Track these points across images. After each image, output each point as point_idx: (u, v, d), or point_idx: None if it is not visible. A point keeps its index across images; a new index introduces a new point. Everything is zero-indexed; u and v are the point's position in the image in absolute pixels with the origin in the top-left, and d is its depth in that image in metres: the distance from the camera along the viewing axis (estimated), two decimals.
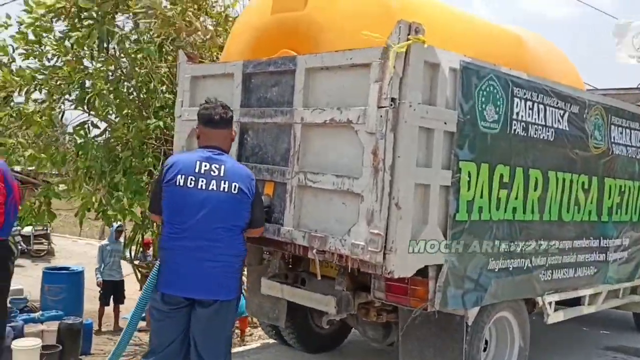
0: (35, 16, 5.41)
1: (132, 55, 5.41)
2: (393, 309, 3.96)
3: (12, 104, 5.65)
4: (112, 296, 8.60)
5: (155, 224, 6.02)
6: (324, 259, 3.46)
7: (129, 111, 5.58)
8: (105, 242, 9.22)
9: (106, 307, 8.62)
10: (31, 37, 5.59)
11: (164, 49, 5.38)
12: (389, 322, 4.17)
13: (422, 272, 3.34)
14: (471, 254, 3.51)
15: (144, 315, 4.28)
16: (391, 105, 3.09)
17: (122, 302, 8.73)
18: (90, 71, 5.57)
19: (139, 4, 5.11)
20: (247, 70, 3.89)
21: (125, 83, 5.58)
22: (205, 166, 3.15)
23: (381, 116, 3.11)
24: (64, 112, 5.59)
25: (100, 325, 8.30)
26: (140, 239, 7.39)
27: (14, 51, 5.74)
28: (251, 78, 3.90)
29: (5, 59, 5.74)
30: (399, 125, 3.10)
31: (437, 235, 3.32)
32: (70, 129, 5.79)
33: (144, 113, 5.65)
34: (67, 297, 7.89)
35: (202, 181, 3.12)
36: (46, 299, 7.88)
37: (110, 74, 5.57)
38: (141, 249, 8.32)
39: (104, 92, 5.44)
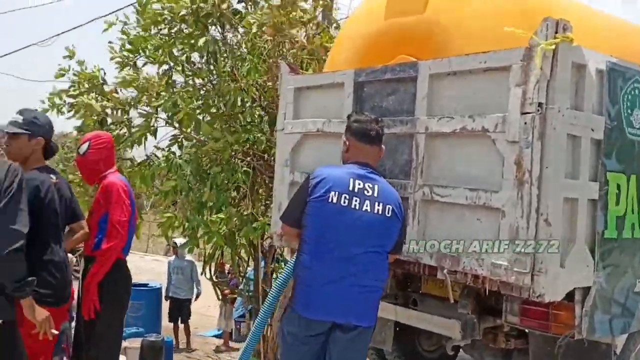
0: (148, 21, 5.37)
1: (226, 69, 5.30)
2: (520, 334, 3.63)
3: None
4: (177, 314, 8.52)
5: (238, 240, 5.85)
6: (454, 279, 3.19)
7: (218, 126, 5.45)
8: (172, 258, 9.14)
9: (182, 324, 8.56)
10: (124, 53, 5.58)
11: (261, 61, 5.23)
12: (510, 348, 3.83)
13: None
14: (619, 275, 3.17)
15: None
16: (538, 110, 2.80)
17: (186, 321, 8.62)
18: (179, 87, 5.50)
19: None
20: (360, 79, 3.68)
21: (216, 98, 5.46)
22: (359, 184, 2.92)
23: (525, 123, 2.83)
24: (156, 129, 5.51)
25: (177, 342, 8.23)
26: (219, 257, 7.25)
27: (105, 74, 5.73)
28: (364, 87, 3.69)
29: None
30: (546, 132, 2.80)
31: (586, 255, 3.00)
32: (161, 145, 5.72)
33: (231, 127, 5.53)
34: (145, 313, 7.86)
35: (356, 200, 2.88)
36: (126, 315, 7.87)
37: (201, 89, 5.48)
38: (219, 268, 8.22)
39: (193, 110, 5.33)
